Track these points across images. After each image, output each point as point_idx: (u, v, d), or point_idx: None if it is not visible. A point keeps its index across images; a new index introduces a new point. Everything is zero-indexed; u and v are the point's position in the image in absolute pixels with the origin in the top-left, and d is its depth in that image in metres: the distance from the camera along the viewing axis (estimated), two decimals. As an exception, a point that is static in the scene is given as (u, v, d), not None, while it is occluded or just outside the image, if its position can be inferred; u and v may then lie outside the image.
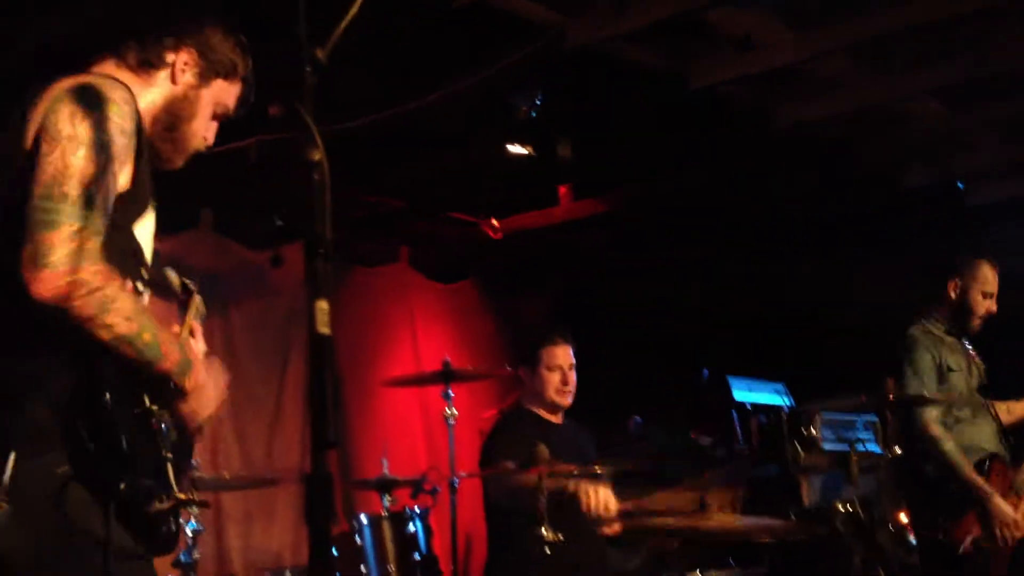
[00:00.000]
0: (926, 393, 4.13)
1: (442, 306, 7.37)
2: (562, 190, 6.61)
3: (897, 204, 6.43)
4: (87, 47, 2.31)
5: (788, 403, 6.06)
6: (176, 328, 2.37)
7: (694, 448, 5.82)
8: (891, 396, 3.96)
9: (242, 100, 2.39)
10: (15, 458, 1.93)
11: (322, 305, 1.58)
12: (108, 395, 1.95)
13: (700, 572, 3.30)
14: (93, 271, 1.90)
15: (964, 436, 4.33)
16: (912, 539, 4.06)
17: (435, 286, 7.36)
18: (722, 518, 3.03)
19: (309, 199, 1.66)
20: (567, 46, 4.25)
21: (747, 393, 6.14)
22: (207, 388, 2.14)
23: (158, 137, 2.27)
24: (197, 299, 2.48)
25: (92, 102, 2.01)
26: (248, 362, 5.89)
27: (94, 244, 1.92)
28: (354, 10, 1.82)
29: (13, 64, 4.24)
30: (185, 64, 2.27)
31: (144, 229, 2.19)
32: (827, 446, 5.46)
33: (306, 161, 1.67)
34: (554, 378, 4.21)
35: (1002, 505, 4.19)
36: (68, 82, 2.06)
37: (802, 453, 5.26)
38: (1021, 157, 5.81)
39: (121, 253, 2.09)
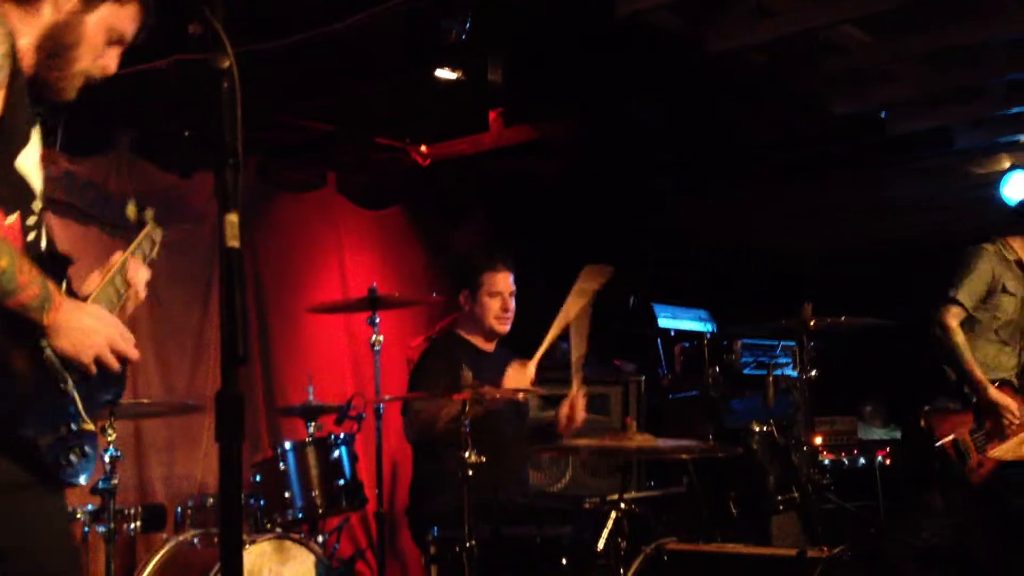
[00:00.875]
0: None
1: (370, 233, 7.29)
2: (492, 116, 6.54)
3: (821, 133, 6.49)
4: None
5: (711, 329, 6.16)
6: (115, 257, 2.34)
7: (618, 374, 5.88)
8: (811, 323, 4.05)
9: (141, 23, 2.30)
10: None
11: (231, 218, 1.55)
12: None
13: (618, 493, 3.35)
14: None
15: (986, 353, 4.48)
16: (825, 461, 4.23)
17: (363, 212, 7.28)
18: (642, 438, 3.06)
19: (218, 108, 1.61)
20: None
21: (672, 320, 6.22)
22: (79, 330, 2.06)
23: (44, 67, 2.18)
24: (145, 232, 2.46)
25: None
26: (169, 288, 5.77)
27: None
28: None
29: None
30: None
31: (28, 159, 2.12)
32: (747, 371, 5.58)
33: (216, 69, 1.62)
34: (494, 304, 4.21)
35: (1000, 394, 4.32)
36: None
37: (722, 377, 5.37)
38: (940, 88, 5.88)
39: (5, 186, 2.05)
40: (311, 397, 5.05)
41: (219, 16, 1.63)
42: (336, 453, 4.62)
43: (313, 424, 4.90)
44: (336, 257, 7.02)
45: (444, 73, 5.68)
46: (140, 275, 2.38)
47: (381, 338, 5.11)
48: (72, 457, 2.05)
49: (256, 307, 6.50)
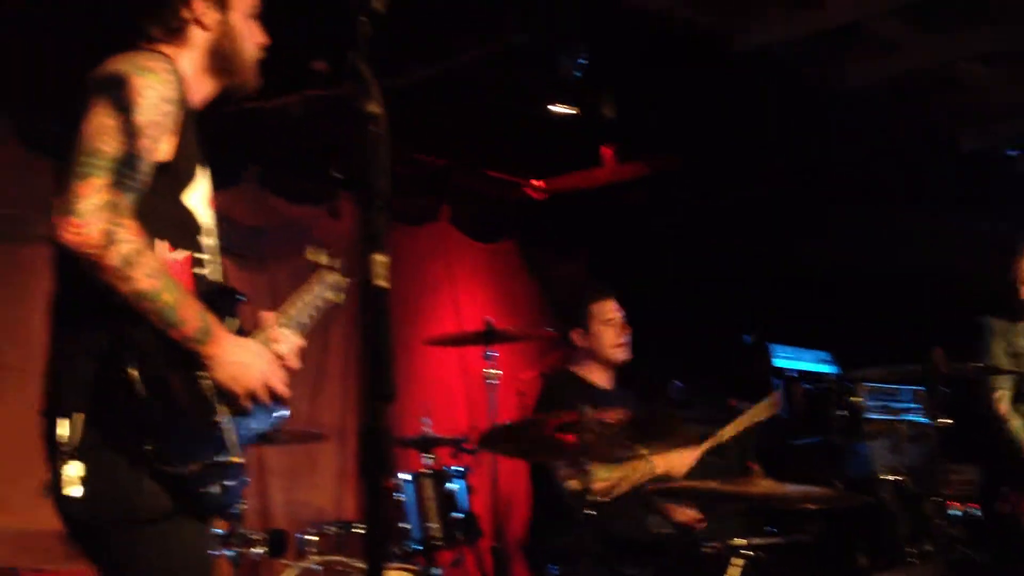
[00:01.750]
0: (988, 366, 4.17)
1: (483, 266, 7.34)
2: (606, 151, 6.55)
3: (948, 169, 6.31)
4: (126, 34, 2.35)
5: (834, 371, 6.00)
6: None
7: (733, 414, 5.77)
8: (943, 368, 3.92)
9: None
10: (83, 420, 2.01)
11: (379, 258, 1.57)
12: (132, 359, 1.98)
13: (743, 539, 3.27)
14: (117, 223, 1.95)
15: None
16: (958, 511, 4.07)
17: (476, 245, 7.34)
18: (768, 484, 2.99)
19: (366, 152, 1.65)
20: (619, 5, 4.17)
21: (791, 360, 6.09)
22: (236, 364, 2.12)
23: (224, 78, 2.36)
24: (321, 276, 2.51)
25: (135, 72, 2.09)
26: (292, 318, 5.90)
27: (123, 200, 1.98)
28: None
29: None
30: (203, 10, 2.32)
31: (195, 197, 2.23)
32: (872, 415, 5.40)
33: (363, 113, 1.65)
34: (610, 332, 4.20)
35: None
36: (116, 57, 2.14)
37: (847, 422, 5.21)
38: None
39: (170, 221, 2.16)
40: (428, 429, 5.09)
41: (365, 59, 1.67)
42: (452, 485, 4.64)
43: (429, 456, 4.93)
44: (449, 289, 7.08)
45: (559, 108, 5.73)
46: (284, 343, 2.36)
47: (497, 372, 5.13)
48: (216, 488, 2.10)
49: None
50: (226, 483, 2.13)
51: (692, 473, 4.15)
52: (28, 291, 4.95)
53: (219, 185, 6.12)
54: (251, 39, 2.38)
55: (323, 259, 2.64)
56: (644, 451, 3.35)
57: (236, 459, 2.15)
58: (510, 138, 6.29)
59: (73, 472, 2.00)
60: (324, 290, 2.60)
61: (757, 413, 3.97)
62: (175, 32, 2.30)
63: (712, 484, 3.30)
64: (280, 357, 2.37)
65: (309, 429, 5.51)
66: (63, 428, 2.01)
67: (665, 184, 6.77)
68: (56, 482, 2.02)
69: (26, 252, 5.00)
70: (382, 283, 1.56)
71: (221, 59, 2.33)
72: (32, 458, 2.13)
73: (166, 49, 2.27)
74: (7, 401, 4.89)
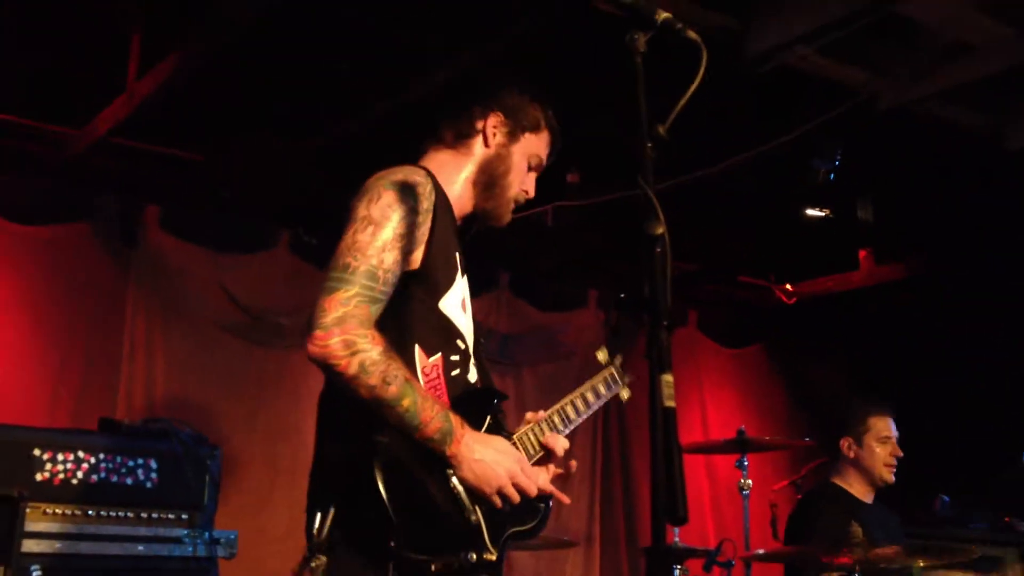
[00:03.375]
0: None
1: (730, 371, 7.23)
2: (862, 254, 6.35)
3: None
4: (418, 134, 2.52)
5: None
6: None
7: (1009, 534, 5.33)
8: None
9: (552, 148, 2.55)
10: (333, 514, 2.09)
11: (667, 379, 1.58)
12: (379, 462, 2.04)
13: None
14: (359, 333, 2.03)
15: None
16: None
17: (723, 351, 7.24)
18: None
19: (652, 272, 1.68)
20: (879, 107, 4.08)
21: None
22: (480, 462, 2.15)
23: (481, 198, 2.44)
24: (604, 374, 2.63)
25: (390, 187, 2.19)
26: (540, 423, 5.99)
27: (365, 310, 2.06)
28: (694, 86, 1.84)
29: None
30: (494, 127, 2.45)
31: (452, 303, 2.29)
32: None
33: (649, 235, 1.69)
34: (884, 451, 4.01)
35: None
36: (376, 175, 2.24)
37: None
38: None
39: (426, 326, 2.23)
40: (677, 539, 4.99)
41: (651, 183, 1.71)
42: (705, 600, 4.51)
43: (680, 568, 4.82)
44: (696, 395, 7.00)
45: (813, 212, 5.63)
46: (554, 442, 2.42)
47: (750, 482, 4.98)
48: None
49: (619, 444, 6.59)
50: None
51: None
52: (299, 396, 5.30)
53: (475, 292, 6.41)
54: (520, 182, 2.48)
55: (603, 356, 2.69)
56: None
57: (489, 556, 2.16)
58: (761, 242, 6.21)
59: (315, 566, 2.07)
60: (599, 385, 2.65)
61: None
62: (462, 138, 2.44)
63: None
64: (548, 450, 2.41)
65: (558, 535, 5.53)
66: (315, 522, 2.10)
67: (924, 287, 6.46)
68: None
69: (297, 358, 5.36)
70: (670, 403, 1.56)
71: (487, 179, 2.43)
72: (295, 561, 2.19)
73: (445, 156, 2.42)
74: (277, 500, 5.19)
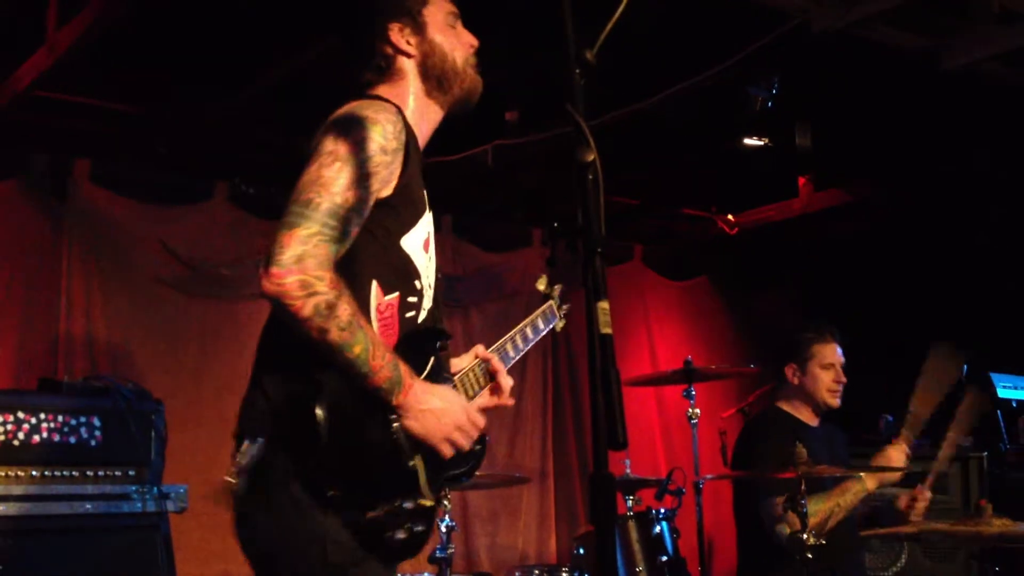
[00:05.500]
0: None
1: (676, 304, 7.29)
2: (802, 181, 6.39)
3: None
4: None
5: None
6: (484, 349, 2.46)
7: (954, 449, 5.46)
8: None
9: None
10: (260, 445, 2.05)
11: (603, 306, 1.57)
12: (321, 402, 2.00)
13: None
14: (316, 275, 1.96)
15: None
16: None
17: (669, 284, 7.30)
18: (1003, 523, 2.81)
19: (584, 199, 1.66)
20: (813, 31, 4.07)
21: (1013, 390, 5.73)
22: (428, 412, 2.11)
23: (445, 97, 2.38)
24: (547, 305, 2.59)
25: (356, 124, 2.11)
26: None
27: (324, 250, 1.98)
28: (620, 10, 1.81)
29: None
30: (401, 37, 2.35)
31: (414, 241, 2.22)
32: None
33: (580, 162, 1.66)
34: (827, 376, 4.07)
35: None
36: (342, 109, 2.17)
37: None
38: None
39: (385, 264, 2.16)
40: (628, 470, 5.06)
41: (580, 110, 1.68)
42: (657, 528, 4.58)
43: (632, 498, 4.90)
44: (644, 328, 7.06)
45: (751, 141, 5.64)
46: (505, 382, 2.43)
47: (698, 411, 5.06)
48: (401, 534, 2.09)
49: (569, 380, 6.63)
50: (414, 528, 2.11)
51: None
52: (244, 347, 5.23)
53: (418, 235, 6.34)
54: (458, 47, 2.40)
55: (543, 285, 2.69)
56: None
57: (425, 502, 2.13)
58: (702, 174, 6.23)
59: (242, 488, 2.06)
60: (537, 320, 2.64)
61: (931, 371, 3.75)
62: (385, 70, 2.35)
63: (942, 526, 3.13)
64: (494, 386, 2.41)
65: (511, 473, 5.58)
66: (246, 452, 2.05)
67: (867, 213, 6.53)
68: (237, 505, 2.09)
69: (244, 308, 5.30)
70: (607, 330, 1.56)
71: (435, 79, 2.36)
72: None
73: (387, 90, 2.33)
74: (227, 453, 5.16)
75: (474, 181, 5.75)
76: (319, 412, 1.99)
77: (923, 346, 6.28)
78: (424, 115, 2.36)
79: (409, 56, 2.35)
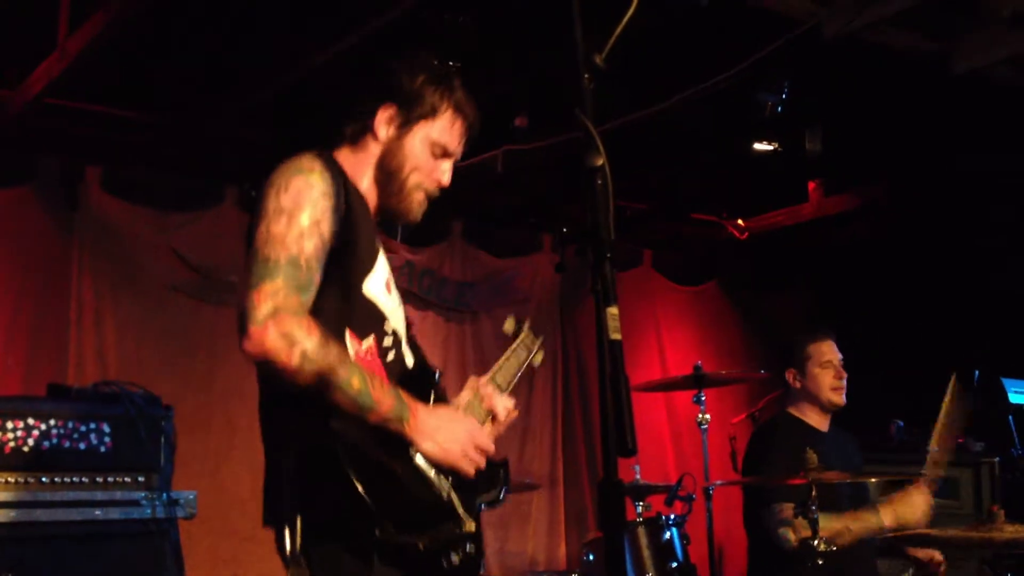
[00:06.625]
0: None
1: (686, 309, 7.28)
2: (812, 186, 6.38)
3: None
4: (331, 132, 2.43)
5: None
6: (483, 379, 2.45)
7: (966, 455, 5.44)
8: None
9: (464, 129, 2.40)
10: (300, 525, 2.02)
11: (613, 311, 1.57)
12: (344, 454, 1.98)
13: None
14: (294, 323, 1.96)
15: None
16: None
17: (679, 289, 7.29)
18: (1015, 528, 2.79)
19: (593, 204, 1.65)
20: (824, 35, 4.06)
21: (1025, 396, 5.70)
22: (437, 430, 2.11)
23: (384, 195, 2.35)
24: (520, 340, 2.57)
25: (293, 176, 2.11)
26: (498, 369, 6.02)
27: (295, 300, 2.00)
28: (629, 14, 1.80)
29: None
30: (385, 121, 2.33)
31: (375, 284, 2.23)
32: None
33: (589, 167, 1.66)
34: (827, 375, 4.05)
35: None
36: (280, 165, 2.17)
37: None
38: None
39: (352, 312, 2.16)
40: (638, 476, 5.05)
41: (590, 114, 1.68)
42: (667, 535, 4.57)
43: (641, 504, 4.88)
44: (654, 334, 7.05)
45: (761, 146, 5.63)
46: (498, 403, 2.41)
47: (708, 417, 5.04)
48: (455, 557, 2.09)
49: (578, 385, 6.62)
50: (466, 551, 2.13)
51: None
52: (255, 352, 5.24)
53: (427, 241, 6.39)
54: (424, 171, 2.34)
55: (510, 327, 2.68)
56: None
57: (469, 528, 2.14)
58: (711, 179, 6.22)
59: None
60: (523, 354, 2.63)
61: (950, 411, 3.71)
62: (356, 138, 2.34)
63: (953, 532, 3.11)
64: (493, 413, 2.39)
65: (521, 479, 5.56)
66: (285, 537, 2.02)
67: (877, 217, 6.51)
68: None
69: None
70: (616, 336, 1.55)
71: (383, 176, 2.33)
72: (258, 518, 2.16)
73: (349, 154, 2.33)
74: (236, 459, 5.16)
75: (484, 187, 5.74)
76: (343, 460, 1.98)
77: (933, 351, 6.27)
78: (371, 193, 2.34)
79: (377, 141, 2.34)
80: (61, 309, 4.99)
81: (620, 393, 1.51)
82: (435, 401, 2.24)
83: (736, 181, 6.27)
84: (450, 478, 2.15)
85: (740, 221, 6.86)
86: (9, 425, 3.44)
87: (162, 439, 3.75)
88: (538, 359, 2.70)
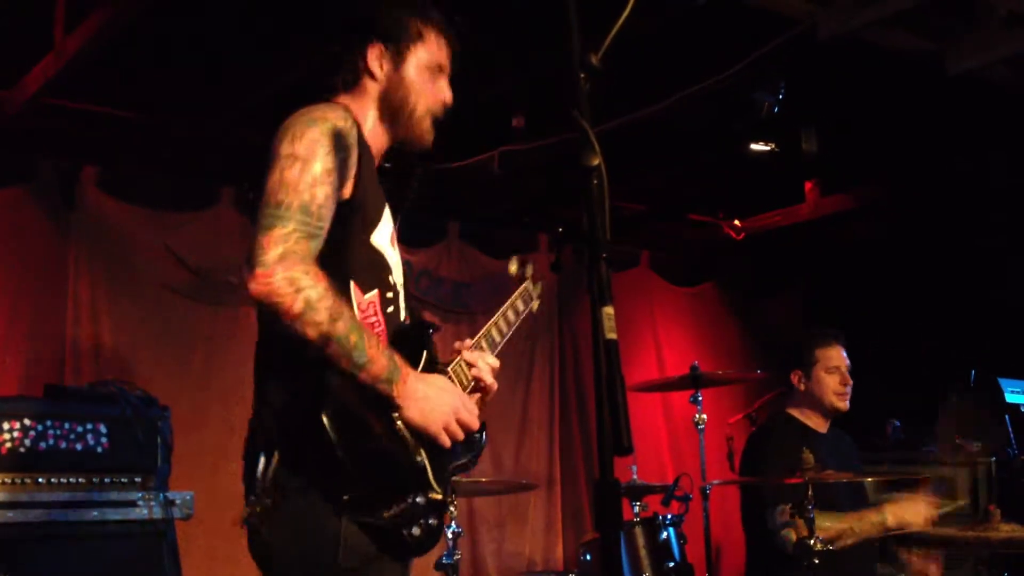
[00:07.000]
0: None
1: (684, 310, 7.28)
2: (808, 186, 6.38)
3: None
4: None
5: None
6: (469, 342, 2.44)
7: (962, 455, 5.44)
8: None
9: (449, 45, 2.44)
10: (277, 459, 2.05)
11: (608, 311, 1.57)
12: (326, 405, 2.00)
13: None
14: (302, 270, 1.98)
15: None
16: None
17: (676, 289, 7.29)
18: (1011, 528, 2.80)
19: (589, 205, 1.65)
20: (820, 36, 4.07)
21: (1023, 396, 5.70)
22: (424, 399, 2.13)
23: (392, 131, 2.38)
24: (523, 287, 2.61)
25: (308, 125, 2.13)
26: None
27: (305, 246, 2.01)
28: (625, 14, 1.81)
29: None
30: (376, 59, 2.36)
31: (382, 237, 2.26)
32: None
33: (585, 167, 1.66)
34: (833, 380, 4.05)
35: None
36: (296, 113, 2.19)
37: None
38: None
39: (359, 262, 2.19)
40: (635, 476, 5.05)
41: (586, 114, 1.68)
42: (664, 534, 4.57)
43: (638, 504, 4.88)
44: (651, 334, 7.05)
45: (757, 146, 5.63)
46: (482, 364, 2.41)
47: (705, 417, 5.04)
48: (416, 530, 2.09)
49: (575, 386, 6.62)
50: (428, 522, 2.12)
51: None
52: (251, 354, 5.23)
53: (425, 242, 6.37)
54: (428, 95, 2.39)
55: (514, 268, 2.67)
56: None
57: (436, 496, 2.14)
58: (708, 179, 6.22)
59: (259, 510, 2.05)
60: (516, 301, 2.64)
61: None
62: (351, 84, 2.36)
63: (950, 531, 3.12)
64: (478, 380, 2.39)
65: (518, 479, 5.57)
66: (259, 465, 2.06)
67: (874, 217, 6.52)
68: (252, 520, 2.08)
69: (250, 314, 5.29)
70: (612, 335, 1.55)
71: (390, 111, 2.37)
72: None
73: (348, 100, 2.34)
74: (233, 460, 5.15)
75: (480, 187, 5.75)
76: (326, 420, 2.00)
77: (930, 352, 6.28)
78: (376, 135, 2.37)
79: (375, 80, 2.36)
80: (58, 309, 4.98)
81: (616, 393, 1.50)
82: (428, 358, 2.26)
83: (733, 181, 6.28)
84: (427, 445, 2.15)
85: (737, 222, 6.87)
86: (6, 425, 3.43)
87: (159, 439, 3.75)
88: (535, 306, 2.72)
